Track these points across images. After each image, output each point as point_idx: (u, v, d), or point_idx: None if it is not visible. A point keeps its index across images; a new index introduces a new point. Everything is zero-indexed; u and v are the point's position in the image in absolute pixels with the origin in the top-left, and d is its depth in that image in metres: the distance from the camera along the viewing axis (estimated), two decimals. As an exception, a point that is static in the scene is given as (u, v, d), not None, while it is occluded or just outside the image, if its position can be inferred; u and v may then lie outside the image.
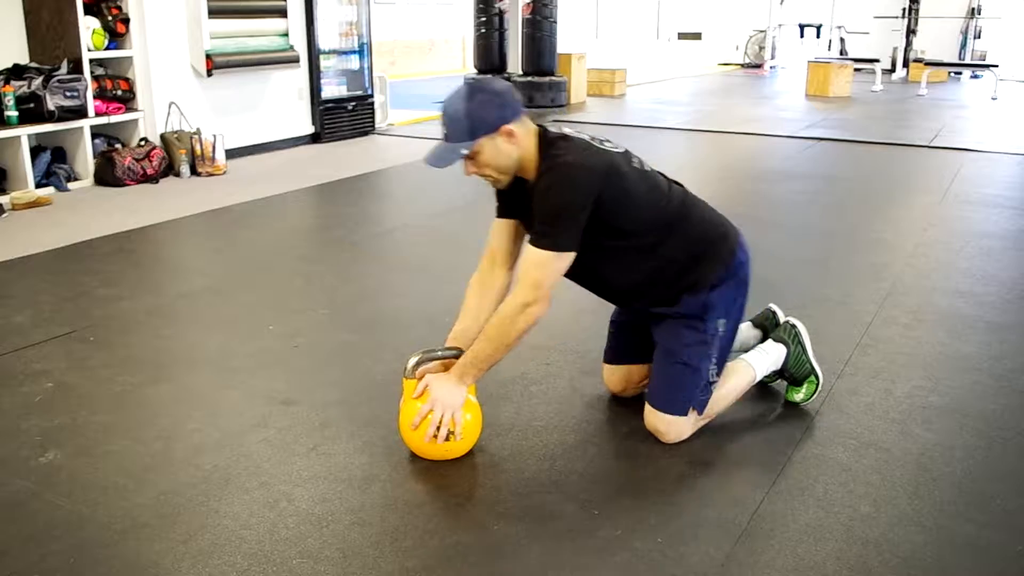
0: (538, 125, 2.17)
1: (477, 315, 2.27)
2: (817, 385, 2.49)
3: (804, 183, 5.91)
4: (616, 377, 2.53)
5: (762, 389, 2.62)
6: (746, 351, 2.50)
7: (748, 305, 2.34)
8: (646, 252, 2.21)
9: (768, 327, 2.62)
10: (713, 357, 2.26)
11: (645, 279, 2.25)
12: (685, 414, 2.26)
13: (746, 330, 2.61)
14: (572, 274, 2.18)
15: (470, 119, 2.05)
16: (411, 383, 2.18)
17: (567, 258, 2.08)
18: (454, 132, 2.08)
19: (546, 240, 2.06)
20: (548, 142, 2.12)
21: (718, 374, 2.29)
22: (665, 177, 2.31)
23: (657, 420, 2.27)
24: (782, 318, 2.61)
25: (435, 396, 2.13)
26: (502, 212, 2.28)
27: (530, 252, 2.08)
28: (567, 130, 2.19)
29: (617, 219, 2.13)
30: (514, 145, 2.09)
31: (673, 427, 2.26)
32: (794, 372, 2.49)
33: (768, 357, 2.47)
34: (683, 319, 2.26)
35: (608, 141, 2.20)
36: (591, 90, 11.10)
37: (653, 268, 2.23)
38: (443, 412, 2.12)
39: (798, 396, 2.51)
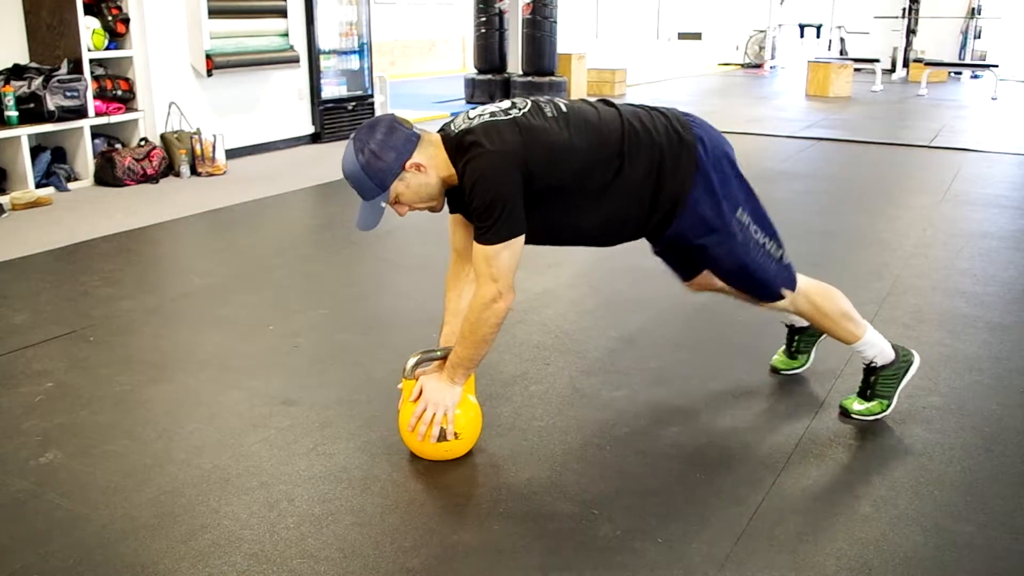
0: (439, 131, 2.12)
1: (459, 314, 2.30)
2: (882, 411, 2.40)
3: (804, 183, 5.91)
4: (696, 289, 2.49)
5: (763, 389, 2.62)
6: None
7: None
8: (603, 190, 2.12)
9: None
10: (754, 242, 2.23)
11: (616, 215, 2.17)
12: (781, 296, 2.29)
13: None
14: (548, 238, 2.16)
15: (371, 174, 2.02)
16: (410, 384, 2.18)
17: (515, 244, 2.03)
18: (364, 191, 2.06)
19: (488, 235, 2.01)
20: (455, 146, 2.05)
21: (779, 245, 2.28)
22: (601, 103, 2.21)
23: (771, 308, 2.33)
24: None
25: (427, 396, 2.14)
26: (452, 207, 2.24)
27: (478, 249, 2.04)
28: (470, 116, 2.10)
29: (556, 176, 2.06)
30: (426, 173, 2.05)
31: (786, 303, 2.31)
32: (879, 382, 2.40)
33: (882, 342, 2.39)
34: (696, 238, 2.21)
35: (515, 104, 2.11)
36: (591, 90, 11.10)
37: (620, 202, 2.15)
38: (434, 410, 2.13)
39: (856, 407, 2.42)
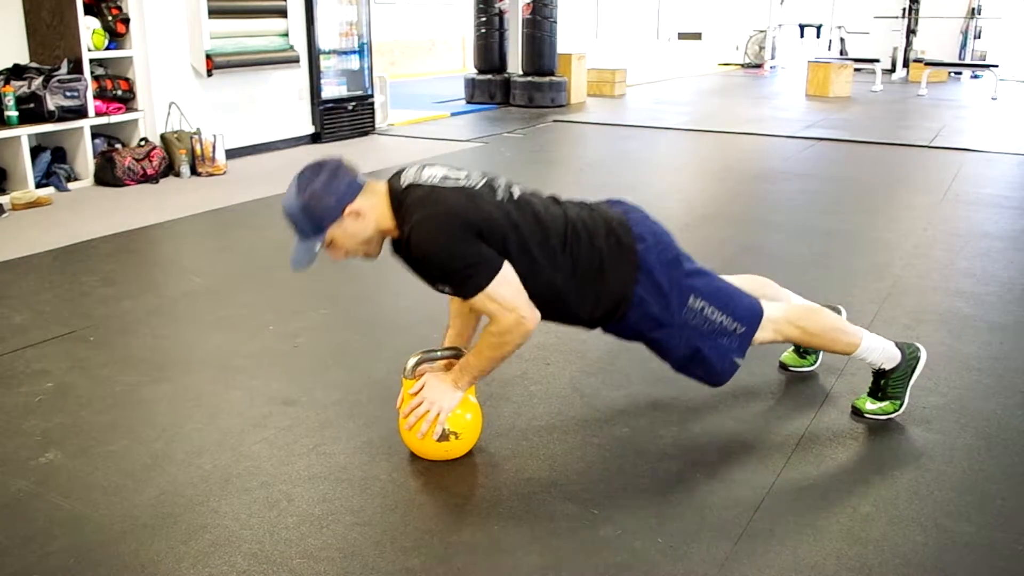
0: (388, 181, 2.10)
1: (464, 317, 2.31)
2: (895, 411, 2.40)
3: (804, 183, 5.91)
4: None
5: (763, 389, 2.62)
6: None
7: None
8: (543, 281, 2.09)
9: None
10: (709, 324, 2.21)
11: (557, 305, 2.15)
12: (734, 369, 2.27)
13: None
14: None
15: (309, 215, 2.00)
16: (410, 383, 2.18)
17: (503, 275, 1.99)
18: (301, 230, 2.04)
19: (468, 287, 1.99)
20: (398, 202, 2.04)
21: (729, 316, 2.23)
22: (550, 199, 2.21)
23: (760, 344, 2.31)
24: (844, 317, 2.63)
25: (427, 394, 2.14)
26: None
27: (472, 302, 2.03)
28: (422, 173, 2.08)
29: (496, 248, 2.02)
30: (365, 221, 2.03)
31: (770, 335, 2.30)
32: (890, 385, 2.40)
33: (883, 345, 2.38)
34: (649, 332, 2.22)
35: (469, 176, 2.10)
36: (591, 90, 11.10)
37: (559, 296, 2.13)
38: (430, 408, 2.12)
39: (869, 406, 2.42)
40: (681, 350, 2.24)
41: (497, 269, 1.99)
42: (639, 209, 2.32)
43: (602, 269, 2.14)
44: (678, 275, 2.20)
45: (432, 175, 2.07)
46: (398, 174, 2.11)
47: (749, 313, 2.27)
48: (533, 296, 2.08)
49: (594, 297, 2.16)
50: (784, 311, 2.35)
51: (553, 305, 2.15)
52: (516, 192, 2.14)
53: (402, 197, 2.03)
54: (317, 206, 2.00)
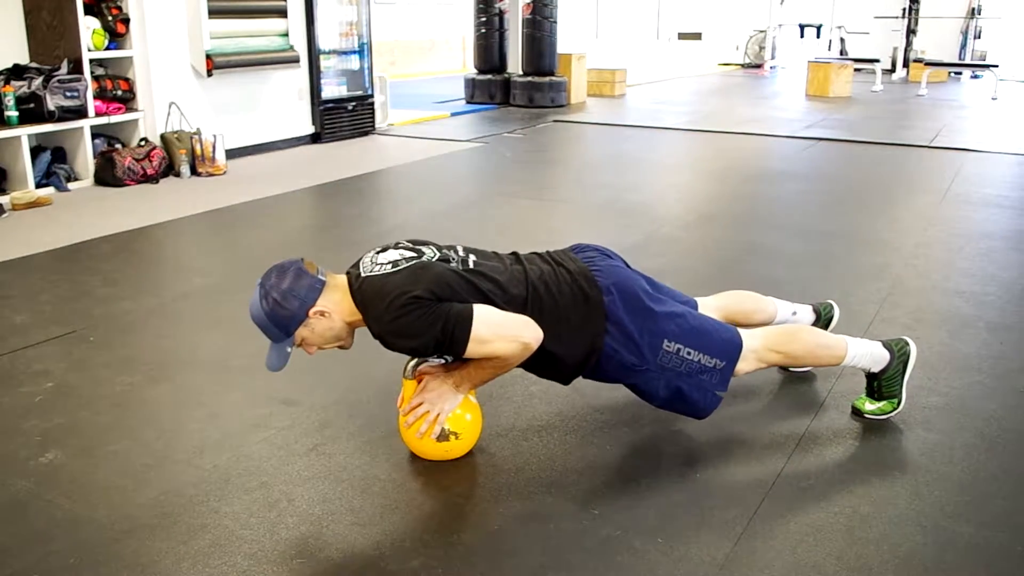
0: (347, 273, 2.12)
1: None
2: (893, 409, 2.41)
3: (804, 183, 5.91)
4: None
5: (763, 389, 2.62)
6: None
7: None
8: None
9: (821, 312, 2.71)
10: (686, 364, 2.21)
11: (529, 363, 2.16)
12: (717, 402, 2.26)
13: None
14: None
15: (276, 321, 2.03)
16: (411, 383, 2.19)
17: (480, 317, 2.00)
18: (271, 335, 2.07)
19: (458, 347, 2.01)
20: (356, 293, 2.06)
21: (706, 354, 2.22)
22: (511, 258, 2.24)
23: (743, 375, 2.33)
24: (836, 315, 2.68)
25: (427, 394, 2.14)
26: None
27: (470, 354, 2.04)
28: (377, 260, 2.09)
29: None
30: (331, 319, 2.06)
31: (752, 364, 2.30)
32: (883, 386, 2.40)
33: (869, 349, 2.38)
34: (626, 379, 2.24)
35: (422, 253, 2.11)
36: (591, 90, 11.10)
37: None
38: (431, 410, 2.13)
39: (868, 407, 2.43)
40: (662, 392, 2.24)
41: (471, 314, 2.00)
42: (605, 255, 2.32)
43: (569, 325, 2.14)
44: (649, 322, 2.19)
45: (384, 262, 2.08)
46: (356, 263, 2.14)
47: (727, 347, 2.26)
48: None
49: (563, 352, 2.16)
50: (763, 338, 2.34)
51: (526, 363, 2.16)
52: (471, 261, 2.15)
53: (359, 292, 2.06)
54: (282, 312, 2.03)
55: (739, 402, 2.53)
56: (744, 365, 2.28)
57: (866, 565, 1.79)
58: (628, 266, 2.36)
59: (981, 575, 1.77)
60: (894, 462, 2.22)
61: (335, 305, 2.06)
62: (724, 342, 2.26)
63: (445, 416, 2.13)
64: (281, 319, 2.03)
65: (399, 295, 1.98)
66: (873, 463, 2.22)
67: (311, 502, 2.01)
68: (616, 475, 2.15)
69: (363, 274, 2.08)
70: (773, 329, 2.44)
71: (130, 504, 2.00)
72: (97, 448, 2.25)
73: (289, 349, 2.10)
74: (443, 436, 2.14)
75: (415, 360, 2.20)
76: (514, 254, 2.28)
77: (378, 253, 2.13)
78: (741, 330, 2.33)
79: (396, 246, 2.16)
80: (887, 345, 2.40)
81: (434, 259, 2.10)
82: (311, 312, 2.04)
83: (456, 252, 2.18)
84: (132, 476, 2.12)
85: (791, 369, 2.72)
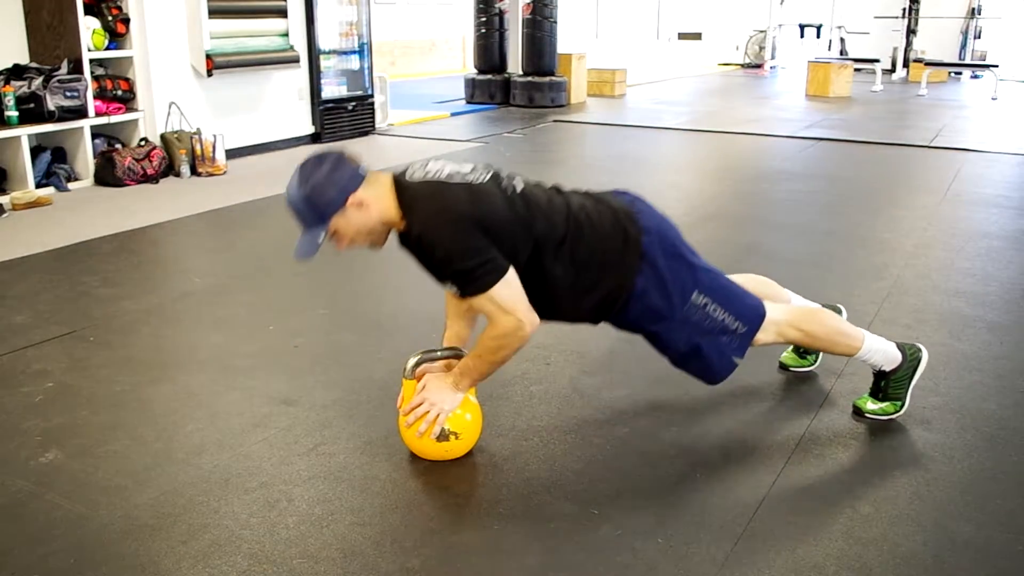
0: (393, 174, 2.10)
1: (461, 318, 2.32)
2: (895, 411, 2.40)
3: (804, 183, 5.91)
4: None
5: (763, 389, 2.62)
6: None
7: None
8: (542, 271, 2.10)
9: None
10: (710, 320, 2.21)
11: (556, 296, 2.15)
12: (732, 367, 2.27)
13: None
14: None
15: (312, 205, 2.00)
16: (411, 383, 2.19)
17: (507, 279, 1.99)
18: (305, 221, 2.04)
19: (471, 287, 1.99)
20: (405, 192, 2.04)
21: (732, 314, 2.22)
22: (554, 191, 2.22)
23: (761, 345, 2.31)
24: (844, 317, 2.65)
25: (427, 394, 2.14)
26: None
27: (473, 302, 2.03)
28: (428, 167, 2.08)
29: (499, 245, 2.02)
30: (368, 212, 2.03)
31: (772, 336, 2.30)
32: (891, 386, 2.39)
33: (884, 346, 2.37)
34: (649, 324, 2.22)
35: (475, 169, 2.10)
36: (591, 90, 11.10)
37: (559, 286, 2.13)
38: (431, 411, 2.12)
39: (870, 407, 2.42)
40: (681, 345, 2.23)
41: (503, 271, 1.99)
42: (645, 201, 2.30)
43: (604, 259, 2.14)
44: (682, 269, 2.19)
45: (438, 169, 2.07)
46: (406, 169, 2.11)
47: (752, 313, 2.27)
48: (536, 288, 2.08)
49: (596, 286, 2.15)
50: (786, 313, 2.35)
51: (554, 297, 2.14)
52: (519, 185, 2.13)
53: (407, 190, 2.04)
54: (320, 196, 1.99)
55: (739, 402, 2.53)
56: (764, 336, 2.28)
57: (866, 565, 1.79)
58: None
59: (981, 575, 1.77)
60: (894, 462, 2.22)
61: (375, 199, 2.03)
62: (750, 307, 2.27)
63: (445, 416, 2.13)
64: (319, 203, 2.00)
65: (454, 210, 1.97)
66: (873, 463, 2.22)
67: (311, 502, 2.01)
68: (616, 475, 2.15)
69: (414, 176, 2.05)
70: (797, 307, 2.45)
71: (130, 504, 2.00)
72: (97, 448, 2.25)
73: (321, 238, 2.04)
74: (443, 436, 2.14)
75: (415, 360, 2.20)
76: (556, 186, 2.25)
77: (428, 162, 2.10)
78: (766, 301, 2.33)
79: (448, 160, 2.13)
80: (900, 347, 2.40)
81: (485, 180, 2.07)
82: (350, 201, 2.00)
83: (503, 175, 2.14)
84: (132, 476, 2.12)
85: (792, 369, 2.72)
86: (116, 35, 5.66)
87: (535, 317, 2.06)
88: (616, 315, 2.22)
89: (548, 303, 2.14)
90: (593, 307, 2.21)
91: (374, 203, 2.03)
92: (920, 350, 2.42)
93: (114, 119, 5.70)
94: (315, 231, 2.04)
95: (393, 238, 2.13)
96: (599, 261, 2.13)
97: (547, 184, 2.25)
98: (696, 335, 2.22)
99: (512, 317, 2.01)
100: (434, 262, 2.04)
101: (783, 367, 2.74)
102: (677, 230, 2.28)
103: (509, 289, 2.00)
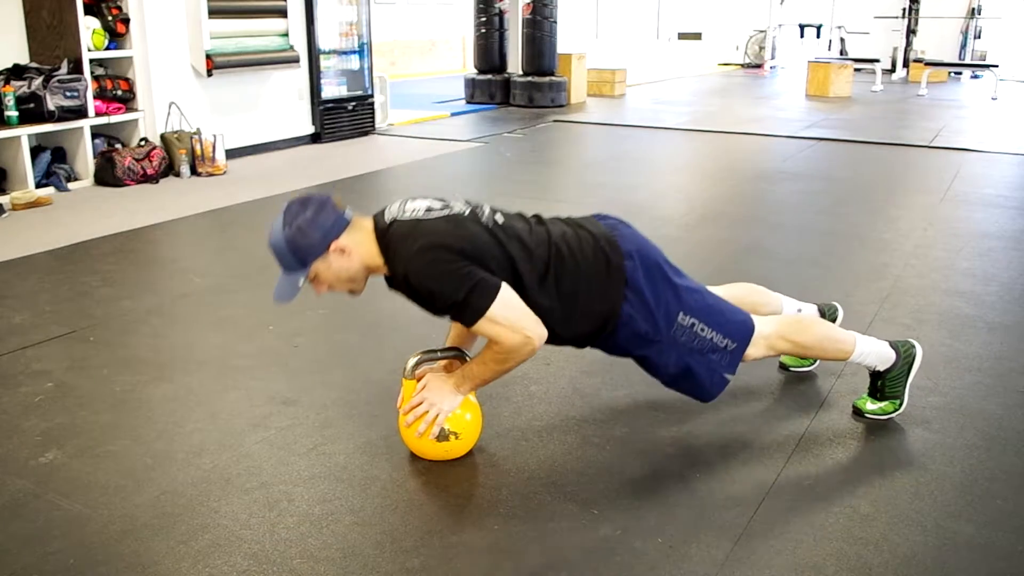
0: (373, 217, 2.10)
1: None
2: (895, 410, 2.40)
3: (804, 183, 5.91)
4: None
5: (763, 389, 2.62)
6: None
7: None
8: (531, 303, 2.07)
9: (825, 313, 2.70)
10: (699, 340, 2.20)
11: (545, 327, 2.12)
12: (724, 384, 2.26)
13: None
14: None
15: (294, 249, 2.01)
16: (411, 384, 2.19)
17: (503, 297, 1.98)
18: (286, 264, 2.04)
19: (469, 315, 1.98)
20: (384, 236, 2.04)
21: (720, 332, 2.22)
22: (535, 220, 2.21)
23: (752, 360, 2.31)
24: (840, 316, 2.67)
25: (427, 394, 2.14)
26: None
27: (476, 328, 2.01)
28: (405, 208, 2.07)
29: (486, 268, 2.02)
30: (350, 258, 2.03)
31: (762, 351, 2.30)
32: (887, 385, 2.40)
33: (876, 347, 2.38)
34: (636, 350, 2.22)
35: (451, 206, 2.09)
36: (591, 90, 11.10)
37: (545, 318, 2.09)
38: (430, 411, 2.12)
39: (870, 407, 2.42)
40: (671, 367, 2.23)
41: (496, 290, 1.98)
42: (627, 224, 2.30)
43: (589, 288, 2.13)
44: (667, 292, 2.19)
45: (415, 208, 2.07)
46: (382, 211, 2.11)
47: (740, 329, 2.26)
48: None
49: (580, 316, 2.15)
50: (775, 325, 2.34)
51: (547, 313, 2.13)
52: (500, 218, 2.14)
53: (387, 234, 2.04)
54: (302, 240, 2.00)
55: (739, 402, 2.53)
56: (754, 351, 2.28)
57: (866, 565, 1.79)
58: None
59: (981, 575, 1.77)
60: (894, 462, 2.22)
61: (356, 245, 2.04)
62: (738, 323, 2.26)
63: (445, 416, 2.13)
64: (300, 248, 2.00)
65: (433, 240, 1.97)
66: (873, 463, 2.22)
67: (311, 502, 2.01)
68: (616, 475, 2.15)
69: (392, 217, 2.05)
70: (785, 318, 2.45)
71: (130, 504, 2.00)
72: (97, 448, 2.25)
73: (301, 282, 2.05)
74: (443, 436, 2.14)
75: (415, 360, 2.20)
76: (536, 216, 2.25)
77: (406, 202, 2.10)
78: (753, 316, 2.33)
79: (425, 197, 2.14)
80: (894, 345, 2.40)
81: (465, 213, 2.08)
82: (332, 247, 2.01)
83: (483, 208, 2.15)
84: (132, 476, 2.12)
85: (791, 369, 2.73)
86: (116, 35, 5.67)
87: (542, 330, 2.05)
88: (604, 342, 2.23)
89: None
90: (581, 335, 2.21)
91: (356, 249, 2.04)
92: (914, 346, 2.42)
93: (114, 119, 5.70)
94: (295, 275, 2.05)
95: (374, 283, 2.12)
96: (584, 291, 2.13)
97: (527, 214, 2.25)
98: (685, 356, 2.21)
99: (519, 335, 2.01)
100: (426, 299, 2.05)
101: (783, 367, 2.74)
102: (659, 251, 2.27)
103: (507, 306, 2.00)
